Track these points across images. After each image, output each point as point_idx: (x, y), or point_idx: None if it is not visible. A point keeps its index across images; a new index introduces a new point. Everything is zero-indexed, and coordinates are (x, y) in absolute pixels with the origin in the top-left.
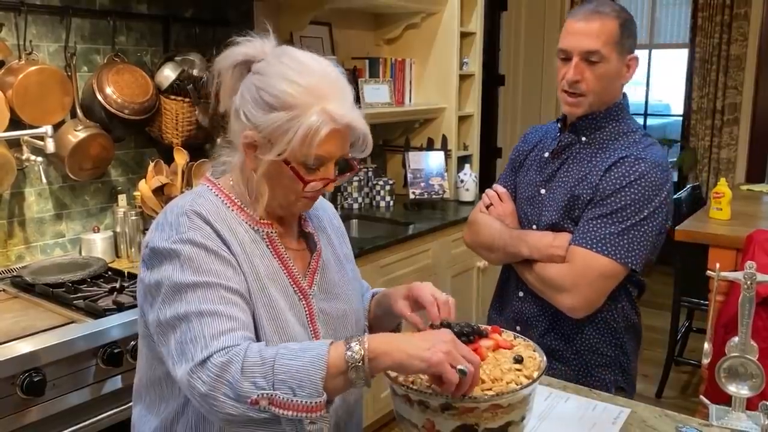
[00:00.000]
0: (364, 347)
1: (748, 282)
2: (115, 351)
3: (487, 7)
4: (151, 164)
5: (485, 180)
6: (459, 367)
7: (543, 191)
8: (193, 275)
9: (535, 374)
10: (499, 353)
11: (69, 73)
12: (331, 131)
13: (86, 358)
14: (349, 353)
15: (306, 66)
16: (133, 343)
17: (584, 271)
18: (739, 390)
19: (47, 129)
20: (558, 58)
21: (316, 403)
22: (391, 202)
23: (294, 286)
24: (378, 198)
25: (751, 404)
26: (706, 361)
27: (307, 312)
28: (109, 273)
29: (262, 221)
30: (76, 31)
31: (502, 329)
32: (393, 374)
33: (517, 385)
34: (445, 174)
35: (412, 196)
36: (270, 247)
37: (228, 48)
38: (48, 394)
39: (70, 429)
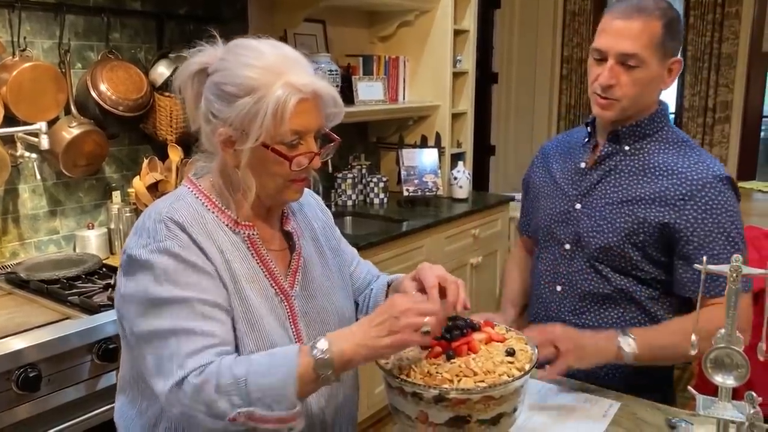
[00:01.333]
0: (331, 352)
1: (734, 275)
2: (110, 347)
3: (480, 4)
4: (146, 161)
5: (478, 178)
6: (423, 330)
7: (578, 206)
8: (168, 289)
9: (527, 366)
10: (492, 346)
11: (63, 70)
12: (300, 101)
13: (81, 353)
14: (317, 359)
15: (260, 51)
16: None
17: (747, 312)
18: (725, 380)
19: (42, 125)
20: (591, 57)
21: (292, 413)
22: (385, 200)
23: (275, 287)
24: (372, 195)
25: (737, 395)
26: (693, 352)
27: (289, 313)
28: (104, 269)
29: (242, 223)
30: (70, 27)
31: (495, 323)
32: (388, 367)
33: (510, 377)
34: (439, 171)
35: (406, 193)
36: (251, 248)
37: (182, 64)
38: (43, 390)
39: (65, 424)
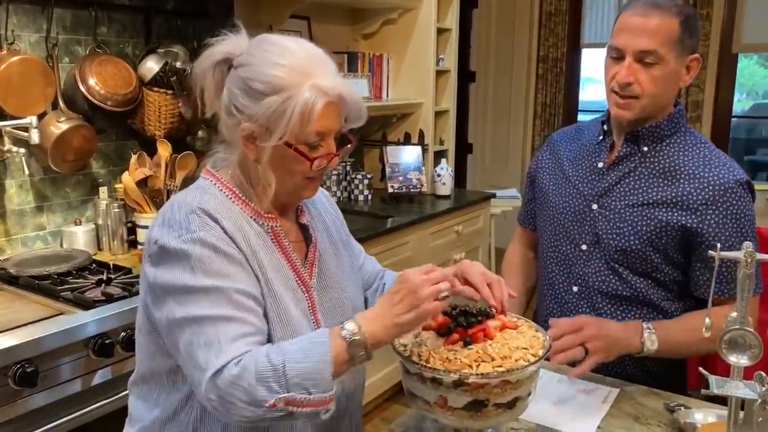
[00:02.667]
0: (362, 333)
1: (748, 260)
2: (106, 342)
3: (458, 4)
4: (134, 156)
5: (456, 175)
6: (441, 295)
7: (595, 207)
8: (205, 278)
9: (541, 352)
10: (506, 333)
11: (50, 64)
12: (326, 104)
13: (77, 349)
14: (351, 341)
15: (287, 48)
16: (123, 334)
17: (755, 313)
18: (739, 360)
19: (32, 120)
20: (608, 55)
21: (329, 396)
22: (369, 196)
23: (297, 278)
24: (356, 192)
25: (745, 377)
26: (707, 334)
27: (309, 303)
28: (94, 265)
29: (266, 215)
30: (57, 21)
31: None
32: (406, 353)
33: (525, 362)
34: (423, 168)
35: (390, 190)
36: (275, 240)
37: (205, 49)
38: (40, 386)
39: (62, 420)
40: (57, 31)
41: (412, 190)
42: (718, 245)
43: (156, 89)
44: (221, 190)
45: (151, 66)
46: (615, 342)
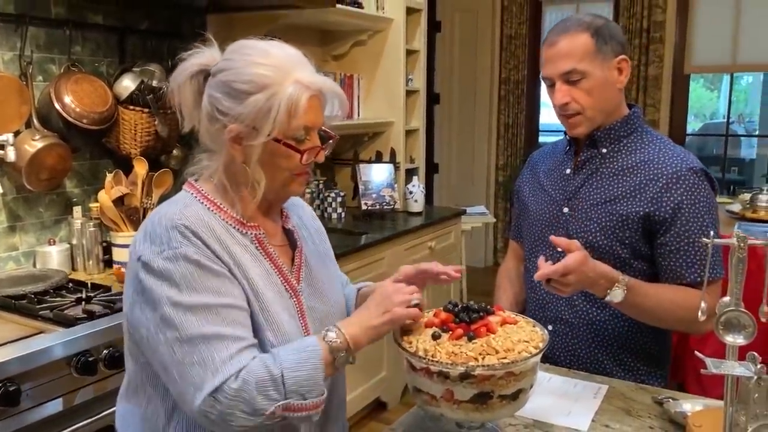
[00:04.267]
0: (343, 336)
1: (741, 244)
2: (89, 359)
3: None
4: (110, 175)
5: (426, 194)
6: (413, 302)
7: (566, 210)
8: (191, 296)
9: (541, 345)
10: (507, 327)
11: (24, 82)
12: (310, 98)
13: (60, 367)
14: (333, 344)
15: (266, 50)
16: (106, 351)
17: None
18: (735, 339)
19: (8, 137)
20: (546, 86)
21: (321, 399)
22: (343, 214)
23: (285, 284)
24: (330, 210)
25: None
26: (703, 318)
27: (298, 308)
28: (71, 284)
29: (249, 224)
30: (31, 39)
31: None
32: (412, 349)
33: (528, 354)
34: (395, 186)
35: (364, 207)
36: (260, 248)
37: (179, 63)
38: (23, 405)
39: None
40: (31, 49)
41: (385, 207)
42: (712, 233)
43: (132, 107)
44: (202, 202)
45: (127, 84)
46: (584, 283)
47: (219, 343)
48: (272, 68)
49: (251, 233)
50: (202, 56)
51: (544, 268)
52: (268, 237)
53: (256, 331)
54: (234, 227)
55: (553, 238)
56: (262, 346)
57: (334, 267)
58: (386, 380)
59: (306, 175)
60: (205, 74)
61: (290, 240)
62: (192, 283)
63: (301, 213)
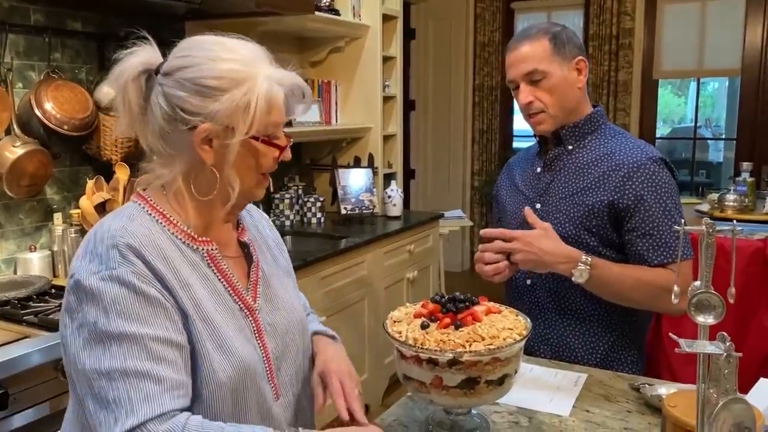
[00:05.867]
0: None
1: (710, 230)
2: None
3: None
4: (91, 181)
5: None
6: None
7: (538, 205)
8: (119, 323)
9: (525, 332)
10: (492, 316)
11: (4, 89)
12: (283, 94)
13: (46, 371)
14: None
15: (227, 44)
16: None
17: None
18: (706, 320)
19: None
20: (511, 89)
21: None
22: (322, 219)
23: (239, 302)
24: (309, 215)
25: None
26: (676, 301)
27: (255, 327)
28: (54, 290)
29: (200, 239)
30: (11, 46)
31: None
32: (402, 338)
33: (512, 340)
34: (374, 190)
35: (343, 212)
36: (212, 265)
37: (117, 65)
38: (11, 408)
39: None
40: (11, 56)
41: (364, 211)
42: (683, 221)
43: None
44: (151, 214)
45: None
46: (542, 262)
47: (138, 382)
48: (241, 63)
49: (203, 249)
50: (142, 55)
51: (493, 229)
52: (223, 248)
53: (207, 353)
54: (184, 242)
55: (527, 210)
56: (214, 369)
57: (293, 281)
58: (367, 383)
59: (268, 179)
60: (148, 74)
61: (245, 252)
62: (122, 309)
63: (258, 224)
